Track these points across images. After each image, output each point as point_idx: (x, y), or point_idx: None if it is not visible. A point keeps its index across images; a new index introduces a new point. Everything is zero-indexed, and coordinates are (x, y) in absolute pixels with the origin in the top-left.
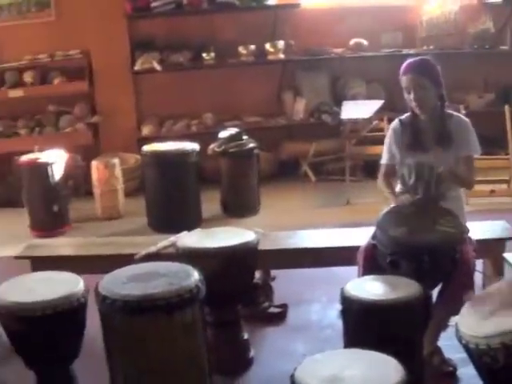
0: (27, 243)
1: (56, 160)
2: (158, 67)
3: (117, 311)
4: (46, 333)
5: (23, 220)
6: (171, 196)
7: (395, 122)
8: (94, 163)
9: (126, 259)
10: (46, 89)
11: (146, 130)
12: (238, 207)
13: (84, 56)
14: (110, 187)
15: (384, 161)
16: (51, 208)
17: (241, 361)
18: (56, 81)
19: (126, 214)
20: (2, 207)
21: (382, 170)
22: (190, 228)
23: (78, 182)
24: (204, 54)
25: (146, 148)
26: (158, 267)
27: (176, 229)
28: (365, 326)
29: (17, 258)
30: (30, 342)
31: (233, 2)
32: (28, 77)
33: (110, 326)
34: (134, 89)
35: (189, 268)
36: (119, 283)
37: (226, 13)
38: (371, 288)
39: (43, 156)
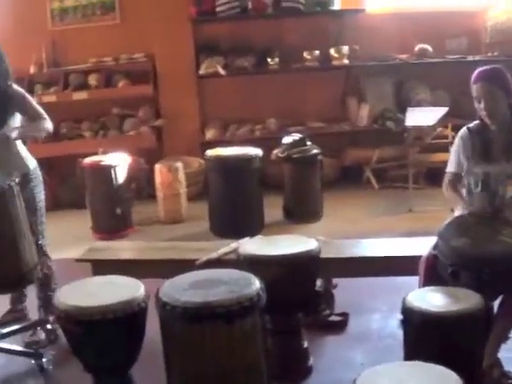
0: (89, 246)
1: (119, 163)
2: (222, 71)
3: (176, 318)
4: (106, 337)
5: (86, 222)
6: (234, 201)
7: (463, 130)
8: (158, 166)
9: (188, 264)
10: (111, 92)
11: (209, 134)
12: (300, 213)
13: (148, 59)
14: (172, 191)
15: (450, 169)
16: (114, 210)
17: (300, 369)
18: (120, 84)
19: (188, 218)
20: (66, 209)
21: (448, 177)
22: (252, 233)
23: (141, 185)
24: (268, 59)
25: (210, 152)
26: (218, 274)
27: (238, 234)
28: (426, 337)
29: (78, 260)
30: (89, 346)
31: (298, 7)
32: (92, 79)
33: (169, 332)
34: (198, 93)
35: (250, 276)
36: (180, 290)
37: (290, 17)
38: (433, 299)
39: (107, 159)
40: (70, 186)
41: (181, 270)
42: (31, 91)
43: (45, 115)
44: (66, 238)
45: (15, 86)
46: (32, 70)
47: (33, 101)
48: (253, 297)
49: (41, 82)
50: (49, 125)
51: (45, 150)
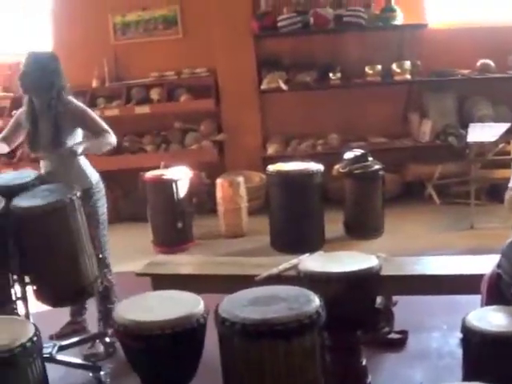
0: (149, 260)
1: (181, 177)
2: (284, 86)
3: (235, 334)
4: (164, 352)
5: (146, 235)
6: (295, 216)
7: None
8: (219, 181)
9: (248, 280)
10: (173, 106)
11: (271, 149)
12: (361, 229)
13: (211, 74)
14: (234, 205)
15: None
16: (175, 224)
17: None
18: (182, 98)
19: (249, 232)
20: (127, 222)
21: (510, 194)
22: (312, 249)
23: (203, 200)
24: (330, 74)
25: (271, 167)
26: (278, 291)
27: (299, 249)
28: (486, 358)
29: (138, 275)
30: (148, 360)
31: (359, 22)
32: (155, 93)
33: (228, 348)
34: (259, 107)
35: (309, 293)
36: (239, 306)
37: (352, 32)
38: (494, 319)
39: (169, 173)
40: (132, 199)
41: (240, 286)
42: (93, 105)
43: (108, 129)
44: (126, 252)
45: (75, 102)
46: (94, 83)
47: (95, 116)
48: (312, 314)
49: (103, 95)
50: (112, 139)
51: (107, 164)
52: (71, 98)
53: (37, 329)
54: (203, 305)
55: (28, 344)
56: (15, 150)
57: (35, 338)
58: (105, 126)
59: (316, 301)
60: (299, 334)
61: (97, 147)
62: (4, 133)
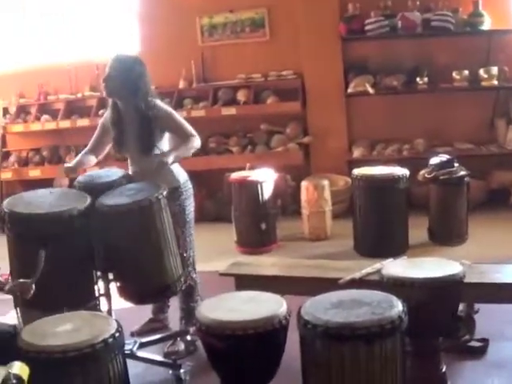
0: (233, 260)
1: (266, 179)
2: (371, 90)
3: (317, 337)
4: (245, 352)
5: (230, 236)
6: (379, 221)
7: None
8: (304, 184)
9: (330, 283)
10: (259, 108)
11: (356, 153)
12: (445, 235)
13: (297, 77)
14: (318, 208)
15: None
16: (259, 226)
17: None
18: (269, 100)
19: (332, 236)
20: (211, 222)
21: None
22: (396, 254)
23: (287, 202)
24: (417, 78)
25: (357, 171)
26: (361, 295)
27: (382, 254)
28: None
29: (221, 274)
30: (228, 360)
31: (447, 27)
32: (241, 95)
33: (309, 350)
34: (346, 111)
35: (392, 298)
36: (322, 309)
37: (440, 37)
38: None
39: (254, 174)
40: (217, 199)
41: (323, 289)
42: (180, 106)
43: (194, 133)
44: (210, 251)
45: (161, 105)
46: (181, 84)
47: (181, 119)
48: (394, 319)
49: (190, 96)
50: (198, 143)
51: (193, 164)
52: (158, 102)
53: (119, 325)
54: (285, 306)
55: (110, 340)
56: None
57: (117, 335)
58: (191, 129)
59: (399, 306)
60: (381, 339)
61: (184, 153)
62: (90, 144)
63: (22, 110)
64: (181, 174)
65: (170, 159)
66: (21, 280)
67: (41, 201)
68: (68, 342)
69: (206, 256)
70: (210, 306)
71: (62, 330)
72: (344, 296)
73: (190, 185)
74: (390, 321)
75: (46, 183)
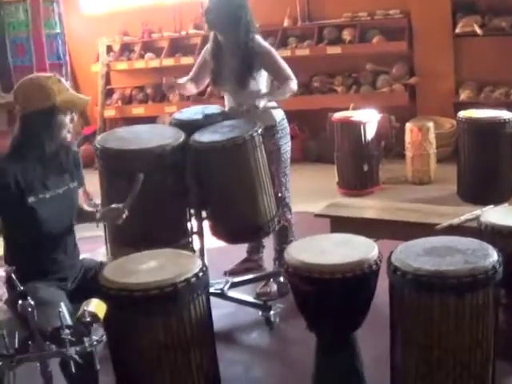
0: (330, 201)
1: (370, 119)
2: (478, 31)
3: (406, 284)
4: (333, 297)
5: (331, 177)
6: (484, 166)
7: None
8: (408, 125)
9: (427, 228)
10: (365, 47)
11: (463, 95)
12: None
13: (404, 16)
14: (422, 151)
15: None
16: (361, 167)
17: None
18: (375, 40)
19: (436, 180)
20: (313, 162)
21: None
22: (499, 201)
23: (390, 144)
24: None
25: (462, 114)
26: (456, 242)
27: (485, 200)
28: None
29: (317, 216)
30: (315, 303)
31: None
32: (347, 34)
33: (397, 297)
34: (453, 52)
35: (488, 247)
36: (413, 255)
37: None
38: None
39: (357, 114)
40: (319, 139)
41: (419, 234)
42: (284, 44)
43: (291, 76)
44: (309, 192)
45: (260, 41)
46: (286, 23)
47: (280, 59)
48: (488, 270)
49: (294, 35)
50: (295, 86)
51: (296, 103)
52: (259, 38)
53: (204, 264)
54: (377, 251)
55: (193, 280)
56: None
57: (201, 274)
58: (289, 71)
59: (494, 256)
60: (472, 290)
61: (279, 96)
62: (192, 73)
63: (126, 48)
64: (277, 113)
65: (262, 103)
66: (113, 205)
67: (134, 137)
68: (149, 279)
69: (306, 197)
70: (300, 247)
71: (146, 267)
72: (438, 242)
73: (286, 123)
74: (484, 271)
75: (148, 121)
